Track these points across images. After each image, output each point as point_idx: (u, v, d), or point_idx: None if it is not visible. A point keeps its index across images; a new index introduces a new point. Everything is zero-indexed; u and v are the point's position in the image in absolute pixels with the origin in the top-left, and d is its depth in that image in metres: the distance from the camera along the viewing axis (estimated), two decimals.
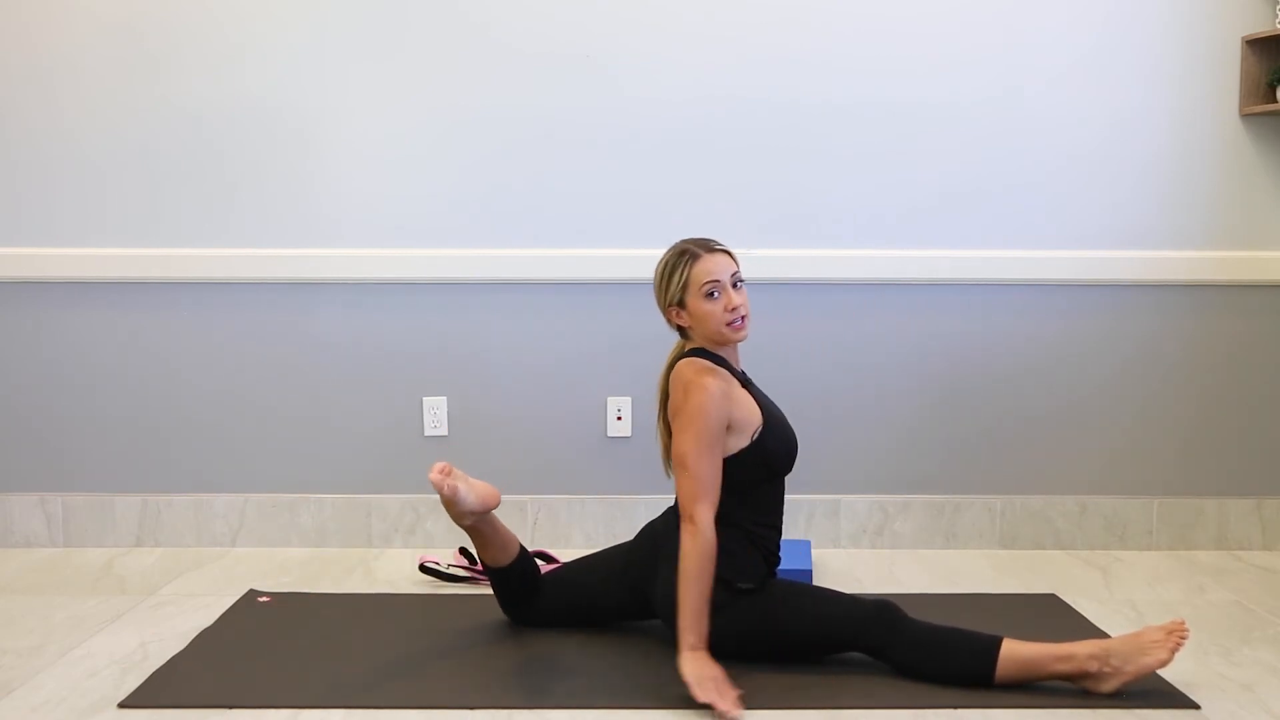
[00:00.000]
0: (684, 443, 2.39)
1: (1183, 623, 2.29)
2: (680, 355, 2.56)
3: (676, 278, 2.49)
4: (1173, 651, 2.25)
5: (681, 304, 2.50)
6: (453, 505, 2.49)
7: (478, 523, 2.57)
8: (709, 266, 2.46)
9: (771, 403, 2.59)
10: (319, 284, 3.34)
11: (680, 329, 2.56)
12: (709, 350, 2.52)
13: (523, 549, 2.69)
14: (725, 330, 2.47)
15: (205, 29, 3.27)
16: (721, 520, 2.41)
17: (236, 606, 2.85)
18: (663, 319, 2.57)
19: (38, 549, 3.39)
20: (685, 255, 2.50)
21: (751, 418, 2.47)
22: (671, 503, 2.64)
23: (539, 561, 3.16)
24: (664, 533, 2.55)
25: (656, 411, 2.62)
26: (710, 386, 2.40)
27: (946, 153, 3.30)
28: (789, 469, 2.58)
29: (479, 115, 3.29)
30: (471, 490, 2.50)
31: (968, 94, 3.28)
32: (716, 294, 2.46)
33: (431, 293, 3.35)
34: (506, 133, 3.30)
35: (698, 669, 2.25)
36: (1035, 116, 3.29)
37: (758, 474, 2.49)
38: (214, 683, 2.38)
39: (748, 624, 2.41)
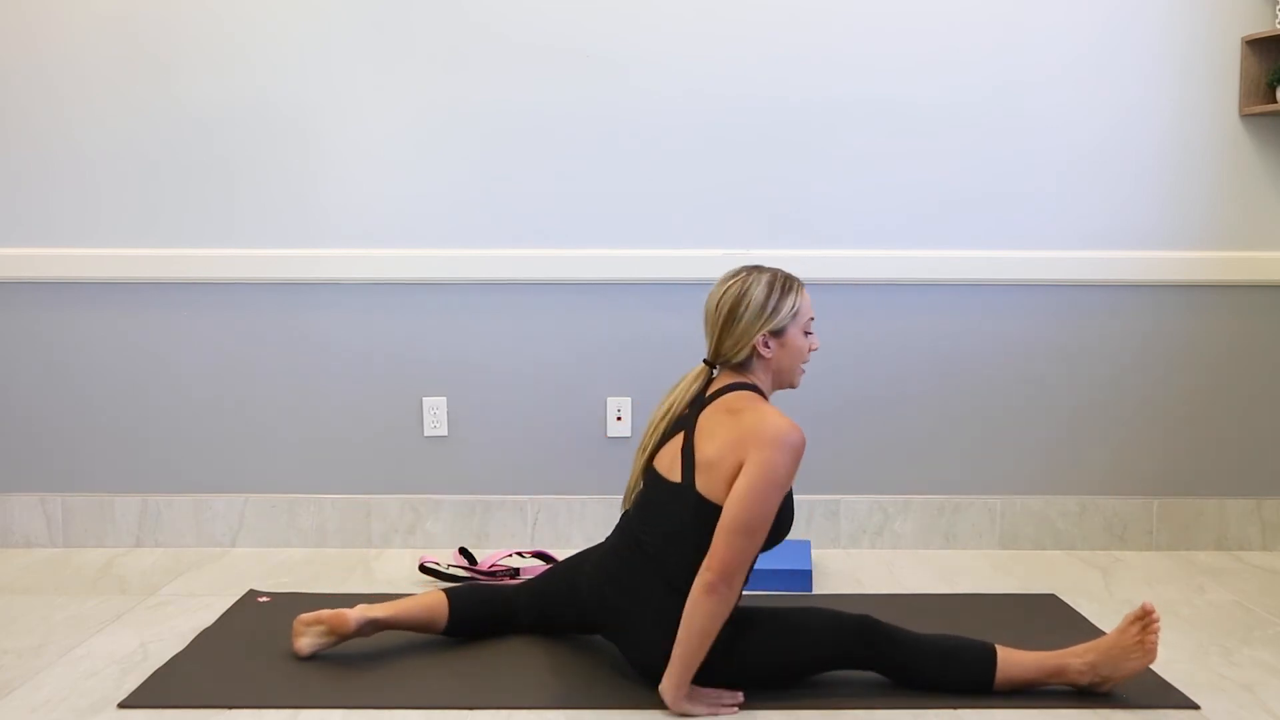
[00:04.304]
0: (768, 502, 2.14)
1: (1149, 609, 2.21)
2: (723, 388, 2.30)
3: (789, 303, 2.30)
4: (1152, 649, 2.22)
5: (780, 333, 2.30)
6: (329, 644, 2.47)
7: (380, 626, 2.50)
8: (810, 301, 2.35)
9: None
10: (319, 284, 3.34)
11: (744, 361, 2.31)
12: (762, 390, 2.31)
13: (455, 597, 2.56)
14: (799, 372, 2.36)
15: (206, 28, 3.27)
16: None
17: (236, 606, 2.85)
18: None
19: (38, 549, 3.39)
20: (795, 281, 2.33)
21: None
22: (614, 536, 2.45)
23: (538, 561, 3.17)
24: (626, 588, 2.31)
25: (647, 437, 2.35)
26: (801, 447, 2.18)
27: (946, 153, 3.30)
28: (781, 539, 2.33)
29: (478, 116, 3.29)
30: (319, 631, 2.46)
31: (968, 94, 3.28)
32: (811, 332, 2.36)
33: (431, 293, 3.35)
34: (506, 133, 3.30)
35: (682, 701, 2.18)
36: (1035, 117, 3.29)
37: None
38: (214, 683, 2.38)
39: (718, 663, 2.24)
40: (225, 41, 3.27)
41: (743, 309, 2.28)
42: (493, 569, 3.06)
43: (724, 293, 2.31)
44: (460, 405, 3.38)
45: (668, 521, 2.26)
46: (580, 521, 3.39)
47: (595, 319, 3.35)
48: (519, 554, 3.22)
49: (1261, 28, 3.25)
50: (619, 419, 3.36)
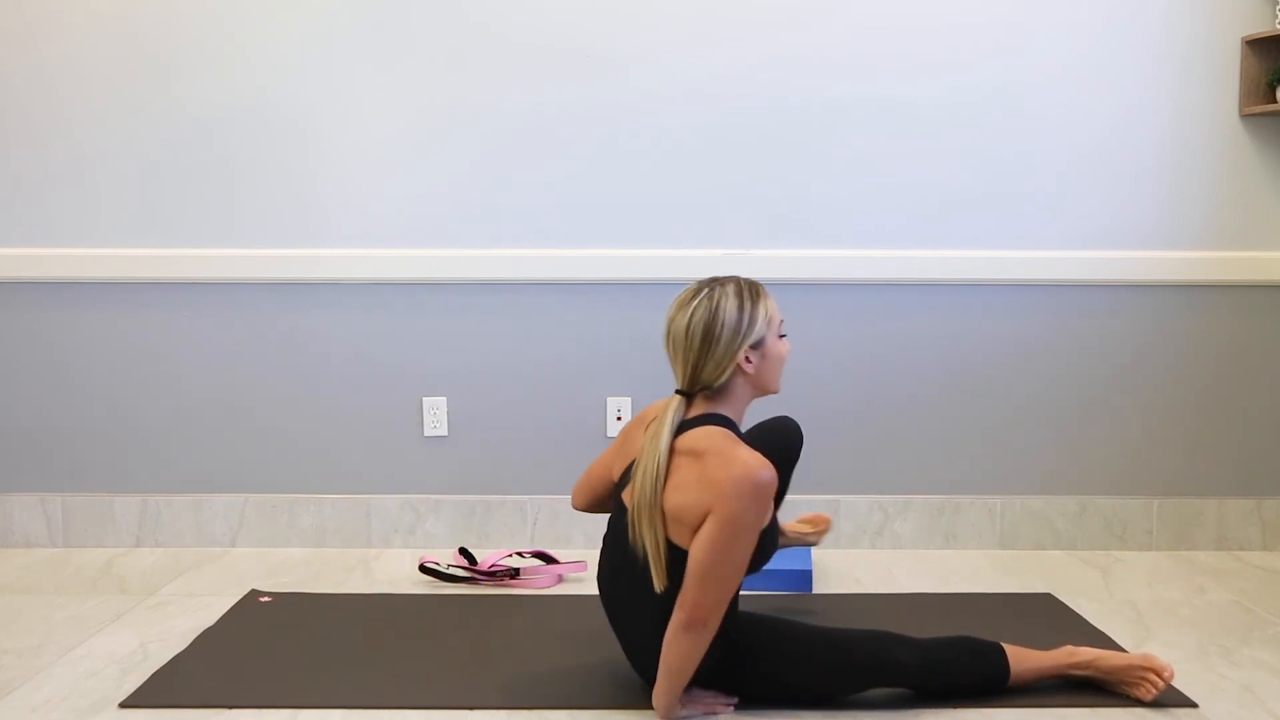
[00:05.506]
0: (739, 549, 2.03)
1: (1169, 677, 2.26)
2: (694, 421, 2.15)
3: (762, 310, 2.15)
4: (1144, 695, 2.25)
5: (759, 344, 2.16)
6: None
7: None
8: (775, 303, 2.22)
9: None
10: (319, 284, 3.34)
11: (725, 384, 2.16)
12: (734, 422, 2.18)
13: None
14: (779, 377, 2.22)
15: (206, 28, 3.27)
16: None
17: (237, 606, 2.85)
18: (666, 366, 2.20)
19: (38, 549, 3.39)
20: (760, 287, 2.18)
21: (768, 513, 2.13)
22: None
23: (538, 561, 3.17)
24: (622, 599, 2.26)
25: (653, 492, 2.10)
26: (772, 478, 2.04)
27: (947, 153, 3.30)
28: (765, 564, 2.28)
29: (478, 116, 3.29)
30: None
31: (968, 94, 3.28)
32: (784, 334, 2.23)
33: (431, 293, 3.35)
34: (506, 133, 3.30)
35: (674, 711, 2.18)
36: (1035, 117, 3.29)
37: None
38: (214, 683, 2.38)
39: (729, 676, 2.25)
40: (225, 41, 3.27)
41: (719, 329, 2.12)
42: (493, 569, 3.06)
43: (690, 317, 2.14)
44: (460, 405, 3.38)
45: (642, 563, 2.14)
46: (580, 521, 3.39)
47: (595, 319, 3.35)
48: (519, 554, 3.22)
49: (1261, 28, 3.25)
50: (619, 419, 3.36)
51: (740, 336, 2.13)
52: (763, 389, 2.21)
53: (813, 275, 3.31)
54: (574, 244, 3.32)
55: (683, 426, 2.15)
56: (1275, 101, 3.21)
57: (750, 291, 2.17)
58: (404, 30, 3.27)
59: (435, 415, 3.38)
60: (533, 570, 3.09)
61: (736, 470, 2.03)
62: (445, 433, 3.39)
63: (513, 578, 3.04)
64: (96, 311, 3.36)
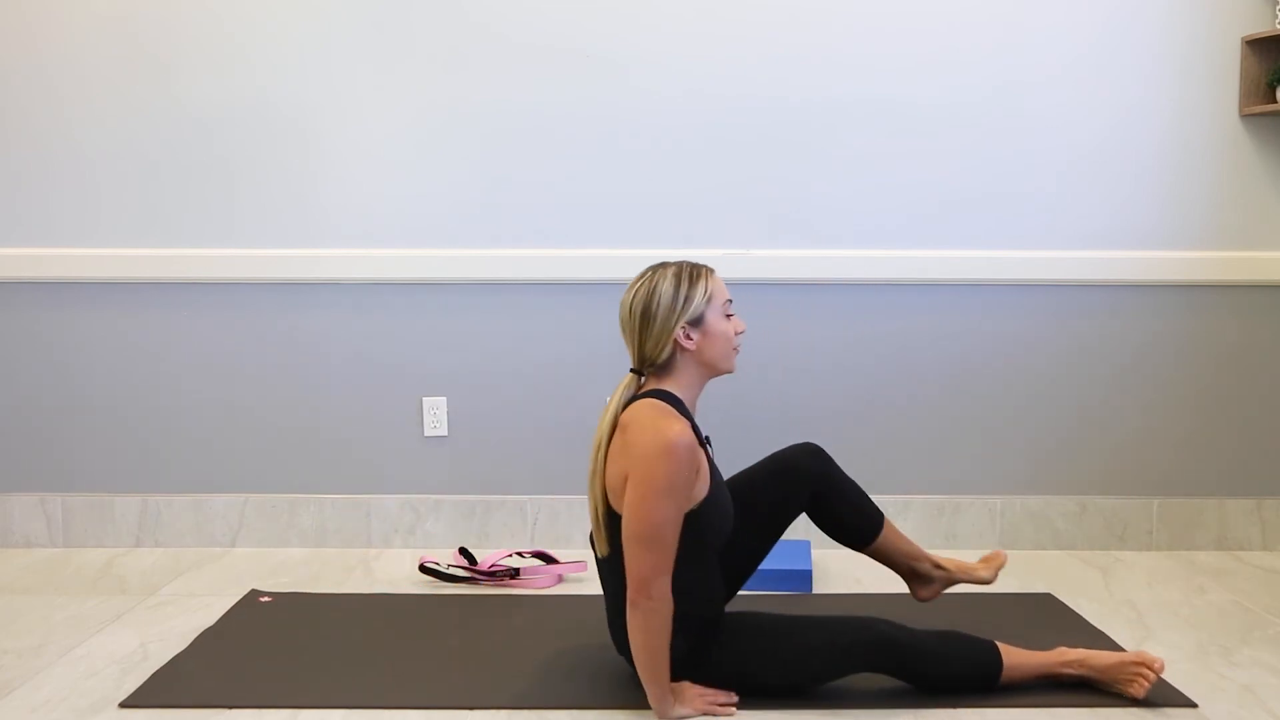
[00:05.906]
0: (656, 510, 2.10)
1: (1158, 669, 2.26)
2: (635, 398, 2.24)
3: (700, 289, 2.23)
4: (1138, 692, 2.25)
5: (699, 322, 2.24)
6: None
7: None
8: (723, 284, 2.29)
9: (716, 467, 2.33)
10: (319, 284, 3.34)
11: (668, 361, 2.25)
12: (676, 396, 2.24)
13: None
14: (732, 355, 2.28)
15: (206, 28, 3.27)
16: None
17: (237, 606, 2.85)
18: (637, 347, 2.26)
19: (38, 549, 3.39)
20: (703, 268, 2.27)
21: (703, 485, 2.20)
22: None
23: (538, 561, 3.17)
24: (608, 594, 2.33)
25: (595, 462, 2.23)
26: (686, 441, 2.11)
27: (946, 153, 3.30)
28: (722, 544, 2.31)
29: (478, 116, 3.29)
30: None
31: (968, 94, 3.28)
32: (731, 313, 2.30)
33: (431, 293, 3.35)
34: (506, 133, 3.30)
35: (669, 709, 2.19)
36: (1035, 117, 3.29)
37: (684, 550, 2.17)
38: (214, 683, 2.38)
39: (723, 671, 2.28)
40: (225, 41, 3.27)
41: (655, 306, 2.21)
42: (493, 569, 3.06)
43: (633, 296, 2.25)
44: (460, 405, 3.38)
45: (604, 541, 2.25)
46: (580, 521, 3.39)
47: (595, 319, 3.35)
48: (519, 554, 3.22)
49: (1261, 28, 3.25)
50: None
51: (676, 314, 2.22)
52: (712, 367, 2.28)
53: (813, 275, 3.31)
54: (574, 244, 3.32)
55: (631, 402, 2.24)
56: (1275, 101, 3.21)
57: (690, 272, 2.26)
58: (404, 30, 3.27)
59: (435, 415, 3.38)
60: (533, 570, 3.09)
61: (647, 435, 2.12)
62: (445, 433, 3.39)
63: (513, 578, 3.04)
64: (96, 311, 3.36)
